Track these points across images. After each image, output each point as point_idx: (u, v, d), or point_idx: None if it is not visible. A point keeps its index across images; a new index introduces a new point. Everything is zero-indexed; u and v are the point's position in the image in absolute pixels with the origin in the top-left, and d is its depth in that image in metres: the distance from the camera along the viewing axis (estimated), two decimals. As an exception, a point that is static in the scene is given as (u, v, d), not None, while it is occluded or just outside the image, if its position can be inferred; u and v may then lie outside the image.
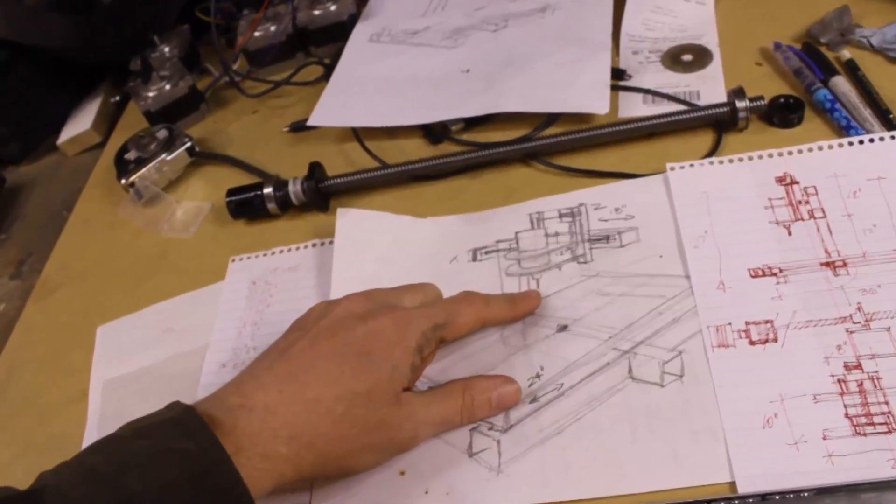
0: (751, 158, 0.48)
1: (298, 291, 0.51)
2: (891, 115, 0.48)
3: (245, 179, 0.60)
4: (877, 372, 0.38)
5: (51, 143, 0.75)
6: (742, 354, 0.40)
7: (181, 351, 0.51)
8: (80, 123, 0.74)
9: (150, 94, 0.67)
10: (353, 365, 0.37)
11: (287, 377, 0.37)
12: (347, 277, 0.48)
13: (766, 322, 0.41)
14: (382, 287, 0.43)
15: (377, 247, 0.50)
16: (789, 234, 0.44)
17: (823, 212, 0.45)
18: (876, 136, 0.46)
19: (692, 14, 0.61)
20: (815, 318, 0.40)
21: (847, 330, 0.39)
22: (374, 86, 0.62)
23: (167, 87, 0.67)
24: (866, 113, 0.48)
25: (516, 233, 0.49)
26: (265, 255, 0.54)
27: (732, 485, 0.36)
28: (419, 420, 0.39)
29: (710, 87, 0.55)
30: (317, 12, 0.69)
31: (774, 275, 0.43)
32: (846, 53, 0.53)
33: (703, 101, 0.54)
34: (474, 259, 0.49)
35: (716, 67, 0.56)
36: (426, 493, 0.39)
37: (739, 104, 0.50)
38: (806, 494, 0.35)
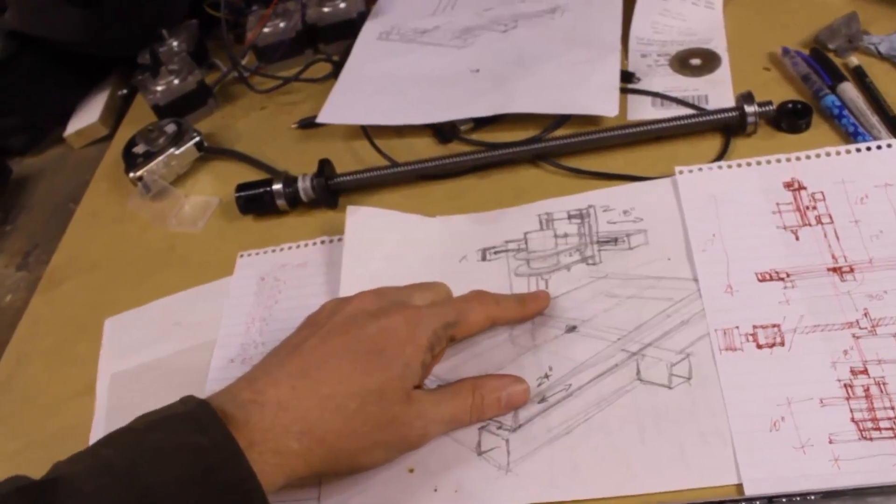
0: (759, 163, 0.48)
1: (307, 288, 0.51)
2: (898, 123, 0.48)
3: (253, 175, 0.60)
4: (883, 377, 0.38)
5: (57, 135, 0.75)
6: (749, 358, 0.40)
7: (189, 345, 0.51)
8: (87, 116, 0.74)
9: (159, 88, 0.67)
10: (365, 362, 0.37)
11: (299, 373, 0.37)
12: (357, 275, 0.49)
13: (774, 326, 0.41)
14: (392, 285, 0.43)
15: (386, 245, 0.50)
16: (797, 238, 0.45)
17: (831, 217, 0.45)
18: (883, 143, 0.47)
19: (701, 18, 0.61)
20: (822, 322, 0.41)
21: (854, 335, 0.40)
22: (384, 84, 0.62)
23: (176, 81, 0.67)
24: (874, 120, 0.49)
25: (525, 233, 0.49)
26: (273, 251, 0.54)
27: (739, 487, 0.36)
28: (429, 418, 0.39)
29: (718, 92, 0.55)
30: (326, 9, 0.69)
31: (782, 279, 0.43)
32: (854, 60, 0.53)
33: (711, 105, 0.54)
34: (483, 259, 0.49)
35: (724, 72, 0.56)
36: (435, 490, 0.39)
37: (748, 109, 0.50)
38: (812, 497, 0.35)
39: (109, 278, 0.59)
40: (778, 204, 0.46)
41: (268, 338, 0.49)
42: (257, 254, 0.55)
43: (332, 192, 0.56)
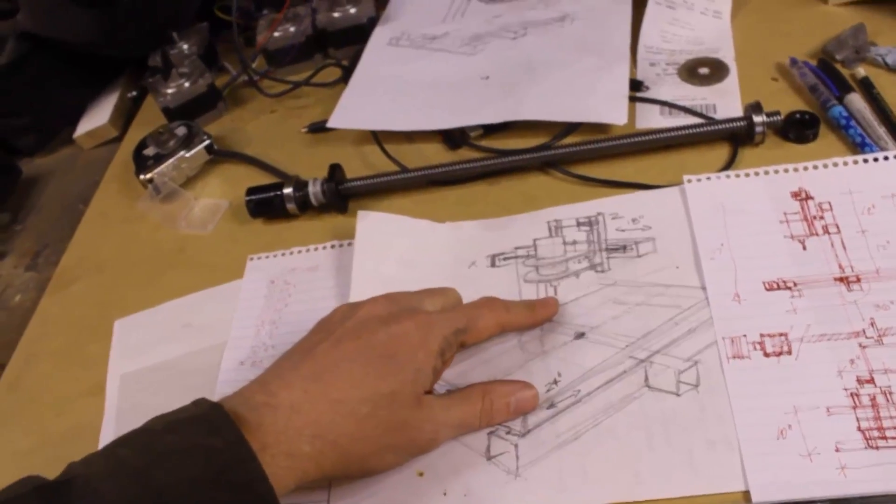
0: (766, 173, 0.49)
1: (317, 292, 0.51)
2: (905, 134, 0.49)
3: (263, 179, 0.60)
4: (889, 387, 0.38)
5: (67, 135, 0.76)
6: (757, 366, 0.41)
7: (199, 347, 0.51)
8: (97, 117, 0.75)
9: (170, 91, 0.68)
10: (377, 367, 0.38)
11: (312, 377, 0.38)
12: (367, 279, 0.49)
13: (781, 335, 0.42)
14: (402, 290, 0.44)
15: (397, 250, 0.51)
16: (804, 248, 0.45)
17: (838, 227, 0.45)
18: (890, 154, 0.47)
19: (709, 27, 0.61)
20: (828, 332, 0.41)
21: (860, 344, 0.40)
22: (394, 89, 0.63)
23: (186, 84, 0.68)
24: (881, 131, 0.49)
25: (534, 240, 0.50)
26: (283, 254, 0.55)
27: (746, 494, 0.36)
28: (440, 422, 0.39)
29: (726, 101, 0.55)
30: (336, 14, 0.69)
31: (789, 288, 0.43)
32: (861, 71, 0.54)
33: (719, 115, 0.55)
34: (493, 265, 0.49)
35: (732, 81, 0.57)
36: (444, 494, 0.39)
37: (757, 119, 0.51)
38: (819, 505, 0.36)
39: (119, 279, 0.59)
40: (785, 213, 0.47)
41: (278, 340, 0.49)
42: (267, 257, 0.55)
43: (342, 196, 0.56)
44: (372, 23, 0.70)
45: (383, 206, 0.56)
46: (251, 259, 0.55)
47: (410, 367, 0.38)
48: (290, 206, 0.56)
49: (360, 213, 0.52)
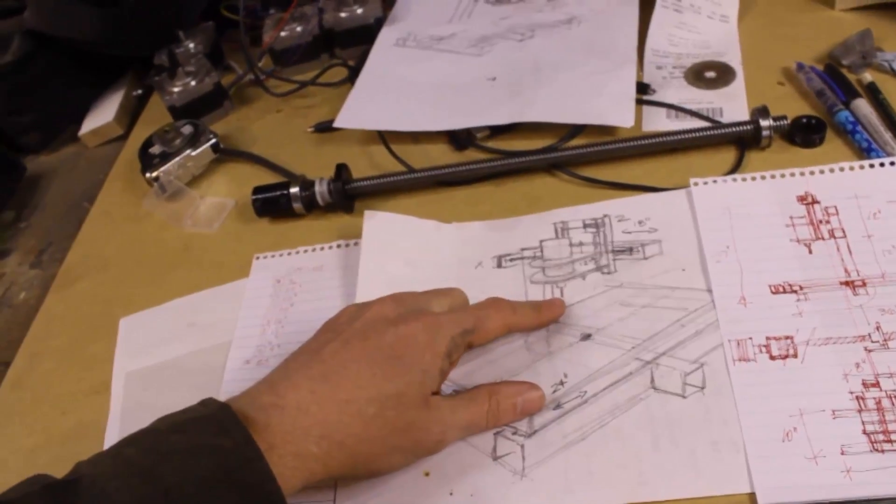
0: (773, 177, 0.49)
1: (323, 291, 0.52)
2: (911, 140, 0.49)
3: (269, 178, 0.60)
4: (894, 390, 0.39)
5: (71, 133, 0.76)
6: (762, 369, 0.41)
7: (204, 346, 0.51)
8: (102, 115, 0.75)
9: (176, 90, 0.68)
10: (384, 368, 0.38)
11: (319, 378, 0.38)
12: (373, 279, 0.49)
13: (787, 338, 0.42)
14: (408, 290, 0.44)
15: (403, 250, 0.51)
16: (810, 252, 0.45)
17: (844, 232, 0.46)
18: (897, 160, 0.48)
19: (716, 31, 0.62)
20: (834, 335, 0.41)
21: (866, 348, 0.40)
22: (401, 90, 0.63)
23: (192, 82, 0.68)
24: (887, 136, 0.49)
25: (541, 241, 0.50)
26: (289, 253, 0.55)
27: (752, 496, 0.36)
28: (447, 423, 0.39)
29: (732, 105, 0.56)
30: (343, 14, 0.70)
31: (795, 292, 0.44)
32: (868, 76, 0.54)
33: (725, 119, 0.55)
34: (499, 266, 0.49)
35: (738, 85, 0.57)
36: (451, 494, 0.39)
37: (763, 123, 0.51)
38: (825, 508, 0.36)
39: (124, 278, 0.59)
40: (791, 217, 0.47)
41: (283, 340, 0.50)
42: (273, 256, 0.55)
43: (348, 196, 0.56)
44: (379, 23, 0.70)
45: (389, 206, 0.56)
46: (257, 258, 0.55)
47: (418, 369, 0.38)
48: (297, 206, 0.56)
49: (367, 213, 0.52)
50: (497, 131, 0.59)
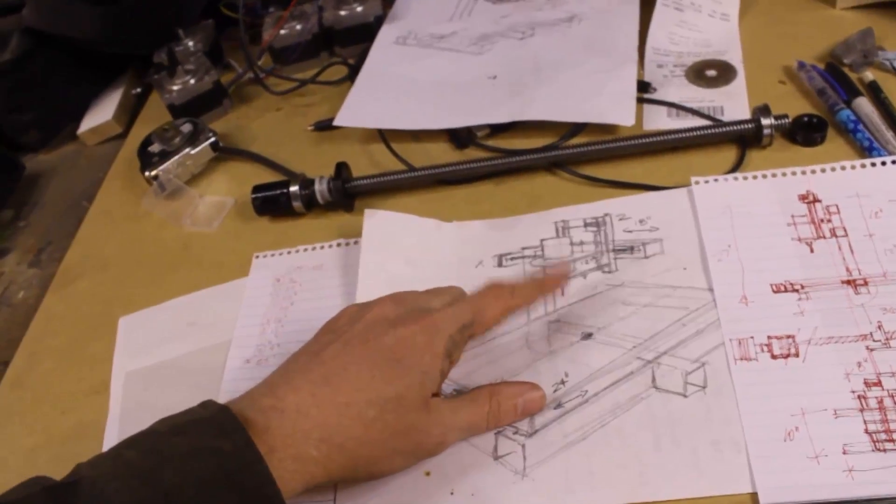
0: (774, 175, 0.49)
1: (323, 290, 0.51)
2: (913, 138, 0.49)
3: (268, 176, 0.60)
4: (896, 390, 0.38)
5: (70, 132, 0.76)
6: (764, 368, 0.41)
7: (204, 345, 0.51)
8: (102, 114, 0.75)
9: (175, 88, 0.67)
10: (384, 371, 0.38)
11: (320, 380, 0.37)
12: (373, 278, 0.49)
13: (788, 337, 0.42)
14: (408, 289, 0.43)
15: (403, 249, 0.51)
16: (811, 251, 0.45)
17: (845, 230, 0.45)
18: (898, 159, 0.47)
19: (717, 30, 0.61)
20: (835, 334, 0.41)
21: (867, 347, 0.40)
22: (401, 88, 0.63)
23: (192, 81, 0.68)
24: (889, 135, 0.49)
25: (542, 240, 0.50)
26: (289, 252, 0.55)
27: (754, 496, 0.36)
28: (447, 425, 0.39)
29: (733, 104, 0.56)
30: (343, 13, 0.69)
31: (796, 291, 0.43)
32: (869, 75, 0.54)
33: (726, 117, 0.55)
34: (500, 265, 0.49)
35: (739, 84, 0.57)
36: (451, 494, 0.39)
37: (765, 121, 0.51)
38: (827, 507, 0.36)
39: (123, 277, 0.59)
40: (793, 216, 0.47)
41: (283, 339, 0.49)
42: (273, 255, 0.55)
43: (348, 194, 0.56)
44: (379, 21, 0.70)
45: (389, 204, 0.56)
46: (257, 257, 0.55)
47: (417, 371, 0.38)
48: (297, 205, 0.56)
49: (367, 212, 0.52)
50: (497, 130, 0.59)
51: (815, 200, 0.47)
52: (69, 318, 0.57)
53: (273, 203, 0.57)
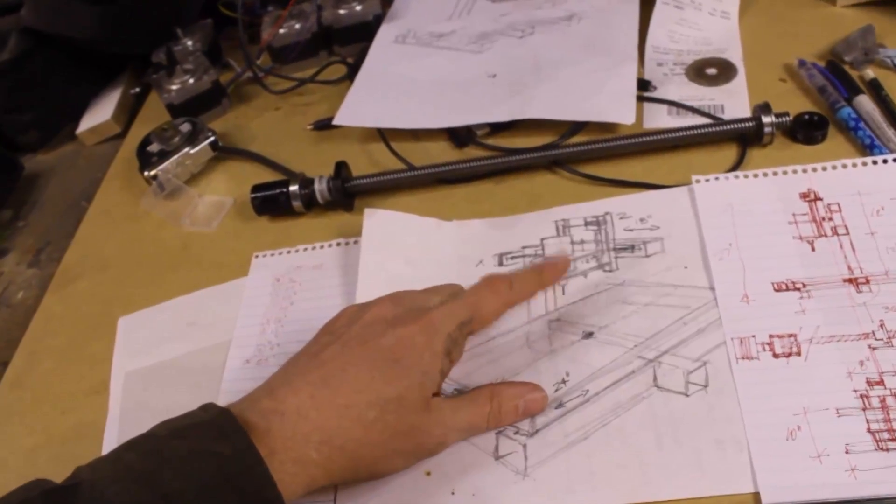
0: (775, 174, 0.49)
1: (323, 290, 0.51)
2: (914, 136, 0.49)
3: (267, 176, 0.60)
4: (899, 388, 0.38)
5: (69, 131, 0.75)
6: (766, 367, 0.40)
7: (204, 345, 0.51)
8: (100, 113, 0.74)
9: (174, 87, 0.67)
10: (383, 371, 0.37)
11: (319, 382, 0.37)
12: (373, 277, 0.49)
13: (790, 336, 0.41)
14: (408, 288, 0.43)
15: (403, 248, 0.50)
16: (813, 249, 0.45)
17: (847, 229, 0.45)
18: (900, 156, 0.47)
19: (717, 28, 0.61)
20: (837, 333, 0.41)
21: (870, 346, 0.40)
22: (400, 87, 0.63)
23: (191, 80, 0.68)
24: (890, 133, 0.49)
25: (542, 239, 0.50)
26: (289, 252, 0.54)
27: (756, 495, 0.36)
28: (448, 426, 0.39)
29: (734, 102, 0.55)
30: (342, 11, 0.69)
31: (798, 289, 0.43)
32: (870, 73, 0.54)
33: (726, 115, 0.54)
34: (500, 264, 0.49)
35: (740, 82, 0.57)
36: (452, 494, 0.39)
37: (765, 119, 0.50)
38: (829, 507, 0.36)
39: (122, 277, 0.59)
40: (794, 214, 0.47)
41: (283, 339, 0.49)
42: (272, 255, 0.55)
43: (348, 194, 0.56)
44: (378, 20, 0.70)
45: (389, 203, 0.56)
46: (256, 257, 0.55)
47: (416, 371, 0.38)
48: (296, 204, 0.56)
49: (367, 211, 0.52)
50: (497, 128, 0.58)
51: (817, 199, 0.47)
52: (68, 319, 0.57)
53: (272, 202, 0.56)
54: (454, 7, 0.70)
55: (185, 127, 0.64)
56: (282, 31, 0.69)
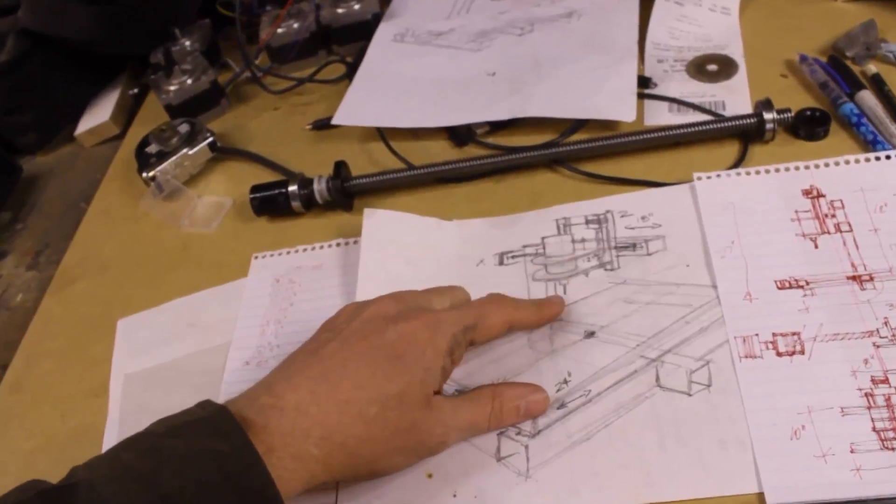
0: (777, 170, 0.48)
1: (323, 290, 0.51)
2: (917, 132, 0.48)
3: (266, 176, 0.60)
4: (904, 387, 0.38)
5: (68, 133, 0.75)
6: (769, 366, 0.40)
7: (204, 347, 0.51)
8: (99, 115, 0.74)
9: (172, 88, 0.67)
10: (385, 367, 0.37)
11: (319, 378, 0.37)
12: (373, 278, 0.48)
13: (794, 334, 0.41)
14: (409, 288, 0.43)
15: (403, 248, 0.50)
16: (816, 247, 0.45)
17: (850, 226, 0.45)
18: (903, 152, 0.47)
19: (717, 24, 0.61)
20: (841, 331, 0.41)
21: (874, 344, 0.40)
22: (399, 86, 0.62)
23: (189, 81, 0.67)
24: (893, 128, 0.49)
25: (543, 238, 0.49)
26: (288, 252, 0.54)
27: (760, 495, 0.36)
28: (449, 424, 0.39)
29: (735, 98, 0.55)
30: (340, 10, 0.69)
31: (801, 287, 0.43)
32: (872, 68, 0.53)
33: (728, 112, 0.54)
34: (501, 263, 0.49)
35: (741, 78, 0.56)
36: (454, 496, 0.39)
37: (767, 116, 0.50)
38: (835, 507, 0.35)
39: (122, 278, 0.58)
40: (797, 211, 0.46)
41: (283, 340, 0.49)
42: (272, 255, 0.55)
43: (347, 194, 0.56)
44: (376, 19, 0.70)
45: (389, 203, 0.55)
46: (256, 257, 0.55)
47: (419, 367, 0.38)
48: (295, 204, 0.55)
49: (367, 211, 0.52)
50: (497, 127, 0.58)
51: (819, 195, 0.47)
52: (68, 321, 0.56)
53: (272, 203, 0.56)
54: (453, 5, 0.70)
55: (184, 127, 0.64)
56: (280, 30, 0.69)
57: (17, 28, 0.71)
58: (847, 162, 0.48)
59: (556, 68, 0.59)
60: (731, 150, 0.52)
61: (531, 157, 0.54)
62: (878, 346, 0.40)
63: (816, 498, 0.35)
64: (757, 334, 0.41)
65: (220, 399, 0.37)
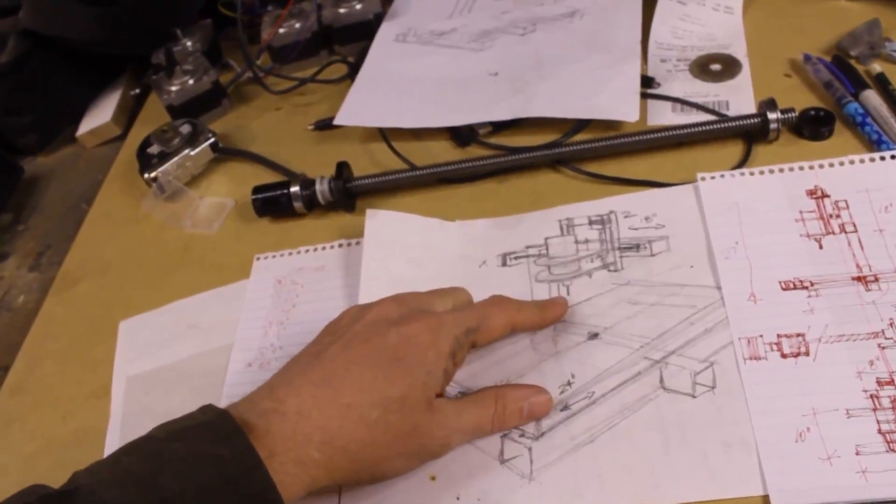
0: (781, 171, 0.48)
1: (325, 292, 0.51)
2: (922, 131, 0.48)
3: (268, 177, 0.60)
4: (910, 388, 0.38)
5: (69, 134, 0.75)
6: (774, 367, 0.40)
7: (205, 349, 0.50)
8: (100, 115, 0.74)
9: (174, 88, 0.67)
10: (386, 371, 0.37)
11: (321, 382, 0.37)
12: (376, 279, 0.48)
13: (798, 335, 0.41)
14: (411, 290, 0.43)
15: (406, 249, 0.50)
16: (820, 247, 0.44)
17: (855, 226, 0.45)
18: (908, 152, 0.47)
19: (720, 23, 0.61)
20: (846, 332, 0.40)
21: (879, 345, 0.40)
22: (401, 86, 0.62)
23: (190, 81, 0.67)
24: (898, 128, 0.49)
25: (546, 239, 0.49)
26: (290, 253, 0.54)
27: (766, 498, 0.36)
28: (451, 427, 0.39)
29: (738, 98, 0.55)
30: (342, 10, 0.69)
31: (806, 288, 0.43)
32: (876, 67, 0.53)
33: (731, 112, 0.54)
34: (504, 264, 0.49)
35: (745, 78, 0.56)
36: (457, 498, 0.39)
37: (771, 115, 0.50)
38: (840, 510, 0.35)
39: (123, 280, 0.58)
40: (801, 212, 0.46)
41: (285, 341, 0.49)
42: (274, 256, 0.54)
43: (349, 194, 0.55)
44: (378, 19, 0.70)
45: (391, 204, 0.55)
46: (258, 259, 0.55)
47: (421, 370, 0.38)
48: (297, 205, 0.55)
49: (369, 212, 0.51)
50: (500, 127, 0.58)
51: (824, 195, 0.46)
52: (69, 322, 0.56)
53: (274, 204, 0.56)
54: (455, 5, 0.70)
55: (185, 128, 0.64)
56: (282, 30, 0.69)
57: (18, 29, 0.71)
58: (852, 162, 0.47)
59: (558, 68, 0.59)
60: (735, 150, 0.52)
61: (534, 158, 0.54)
62: (884, 348, 0.39)
63: (822, 500, 0.35)
64: (761, 336, 0.41)
65: (223, 401, 0.37)
